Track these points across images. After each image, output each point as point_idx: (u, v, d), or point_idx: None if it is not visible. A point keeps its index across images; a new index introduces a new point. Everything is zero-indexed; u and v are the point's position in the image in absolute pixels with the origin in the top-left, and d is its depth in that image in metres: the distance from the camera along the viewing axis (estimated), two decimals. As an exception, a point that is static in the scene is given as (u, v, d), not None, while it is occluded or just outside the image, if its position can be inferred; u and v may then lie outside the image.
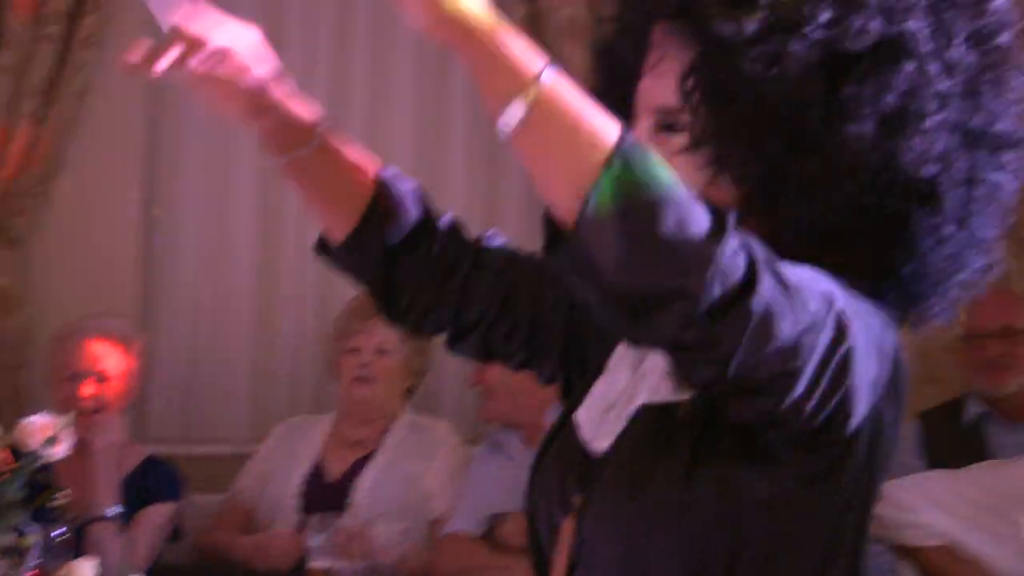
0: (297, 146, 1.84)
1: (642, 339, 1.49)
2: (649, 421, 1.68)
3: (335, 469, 4.32)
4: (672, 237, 1.36)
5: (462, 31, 1.43)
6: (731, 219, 1.41)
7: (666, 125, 1.67)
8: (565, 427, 1.83)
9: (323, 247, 1.94)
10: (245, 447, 4.73)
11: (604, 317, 1.46)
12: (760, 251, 1.42)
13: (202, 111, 4.67)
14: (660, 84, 1.67)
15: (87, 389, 4.19)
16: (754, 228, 1.59)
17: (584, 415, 1.80)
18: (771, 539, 1.62)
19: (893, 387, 1.60)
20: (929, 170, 1.59)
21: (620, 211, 1.36)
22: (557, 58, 4.30)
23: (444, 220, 1.92)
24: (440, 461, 4.30)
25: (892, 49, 1.58)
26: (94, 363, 4.23)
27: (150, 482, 4.24)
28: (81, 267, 4.78)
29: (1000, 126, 1.66)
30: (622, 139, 1.39)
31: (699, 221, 1.38)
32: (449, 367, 4.76)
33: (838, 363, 1.48)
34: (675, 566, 1.62)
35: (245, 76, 1.76)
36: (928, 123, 1.58)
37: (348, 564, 3.31)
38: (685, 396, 1.64)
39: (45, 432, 3.21)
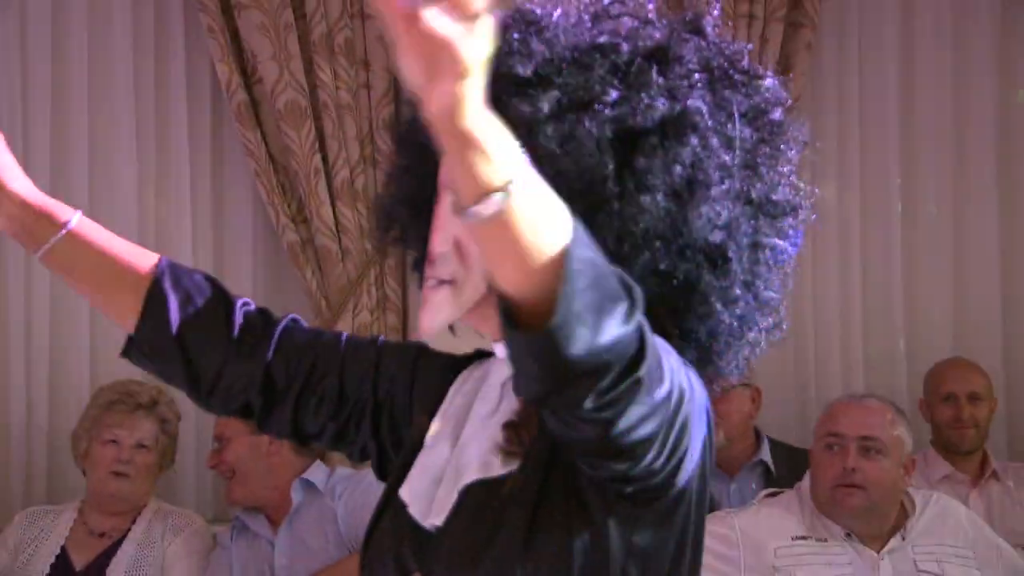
0: (45, 239, 1.83)
1: (563, 405, 1.47)
2: (480, 495, 1.70)
3: (81, 559, 4.17)
4: (615, 330, 1.40)
5: (451, 123, 1.35)
6: (638, 293, 1.43)
7: None
8: (391, 504, 1.82)
9: (128, 348, 1.94)
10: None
11: (531, 387, 1.46)
12: (643, 318, 1.46)
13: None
14: None
15: None
16: None
17: (409, 492, 1.79)
18: None
19: (710, 440, 1.69)
20: (717, 236, 1.66)
21: (578, 309, 1.37)
22: (276, 139, 4.24)
23: (240, 303, 1.93)
24: (180, 544, 4.18)
25: (677, 125, 1.64)
26: None
27: None
28: None
29: (777, 195, 1.74)
30: (574, 237, 1.39)
31: (623, 303, 1.41)
32: (189, 451, 4.62)
33: (680, 428, 1.55)
34: None
35: None
36: (714, 192, 1.65)
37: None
38: (512, 469, 1.68)
39: None
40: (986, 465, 4.91)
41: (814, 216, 1.81)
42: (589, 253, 1.40)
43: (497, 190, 1.35)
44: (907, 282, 5.57)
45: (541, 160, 1.58)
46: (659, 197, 1.62)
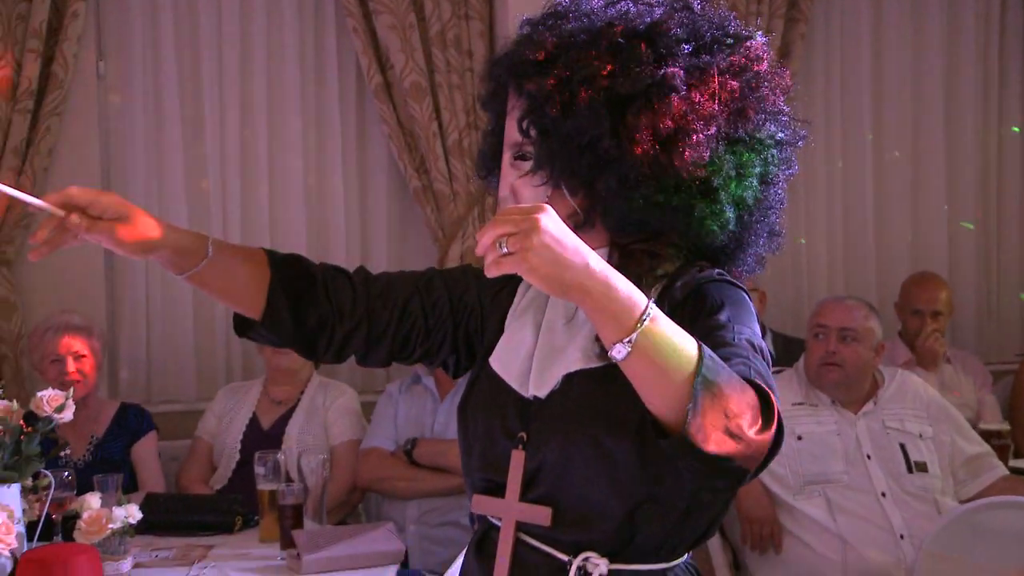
0: (192, 266, 1.68)
1: (721, 481, 1.43)
2: (587, 378, 1.63)
3: (267, 421, 4.24)
4: (749, 433, 1.36)
5: (580, 290, 1.35)
6: (775, 399, 1.40)
7: (520, 155, 1.68)
8: (483, 374, 1.78)
9: (241, 326, 1.80)
10: (193, 405, 4.70)
11: (700, 474, 1.40)
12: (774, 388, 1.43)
13: (141, 155, 4.65)
14: (513, 125, 1.68)
15: (70, 367, 4.04)
16: (597, 227, 1.66)
17: (501, 366, 1.74)
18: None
19: None
20: (701, 172, 1.58)
21: (711, 417, 1.34)
22: (404, 111, 4.20)
23: (330, 269, 1.81)
24: (337, 407, 4.25)
25: (659, 88, 1.57)
26: (70, 348, 4.07)
27: (131, 422, 4.16)
28: (60, 279, 4.60)
29: (762, 132, 1.65)
30: (700, 357, 1.36)
31: (756, 407, 1.38)
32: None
33: None
34: (619, 493, 1.61)
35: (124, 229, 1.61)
36: (695, 138, 1.56)
37: (287, 486, 3.30)
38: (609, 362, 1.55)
39: (54, 403, 3.12)
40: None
41: (802, 144, 1.70)
42: (714, 362, 1.36)
43: (632, 329, 1.34)
44: (877, 206, 5.62)
45: (551, 124, 1.60)
46: (647, 146, 1.55)
